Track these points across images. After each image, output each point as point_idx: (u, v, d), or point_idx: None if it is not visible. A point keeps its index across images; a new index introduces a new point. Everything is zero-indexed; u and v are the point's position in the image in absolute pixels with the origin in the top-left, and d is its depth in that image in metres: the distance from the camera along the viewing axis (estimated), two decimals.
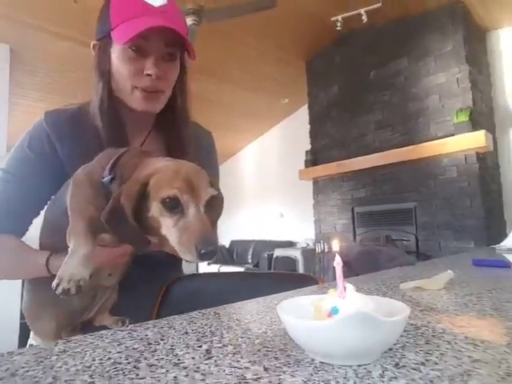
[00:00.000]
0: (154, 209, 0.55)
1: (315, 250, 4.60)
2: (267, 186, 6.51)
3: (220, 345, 0.38)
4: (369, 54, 4.25)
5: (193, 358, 0.34)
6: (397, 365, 0.31)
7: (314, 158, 4.80)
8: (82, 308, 0.74)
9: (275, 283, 0.85)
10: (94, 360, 0.34)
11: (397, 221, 3.85)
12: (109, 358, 0.35)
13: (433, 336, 0.38)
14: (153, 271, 0.82)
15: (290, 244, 5.43)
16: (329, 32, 4.31)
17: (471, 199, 3.28)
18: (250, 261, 5.83)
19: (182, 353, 0.36)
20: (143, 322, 0.48)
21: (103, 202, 0.58)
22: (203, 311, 0.54)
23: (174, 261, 0.93)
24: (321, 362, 0.32)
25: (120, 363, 0.33)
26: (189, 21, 2.77)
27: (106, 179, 0.61)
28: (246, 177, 7.15)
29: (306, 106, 5.10)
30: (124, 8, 0.73)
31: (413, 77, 3.82)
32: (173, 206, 0.53)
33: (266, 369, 0.31)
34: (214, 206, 0.61)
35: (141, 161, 0.61)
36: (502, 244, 1.43)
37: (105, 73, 0.76)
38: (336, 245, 0.36)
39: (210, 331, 0.43)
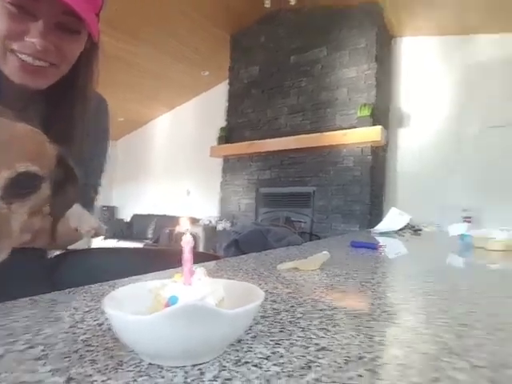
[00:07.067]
0: None
1: (216, 227, 4.63)
2: (177, 160, 6.24)
3: (25, 346, 0.29)
4: (292, 37, 4.30)
5: None
6: (238, 362, 0.27)
7: (228, 136, 4.75)
8: None
9: (173, 260, 0.77)
10: None
11: (297, 203, 4.10)
12: None
13: (289, 322, 0.36)
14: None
15: (193, 221, 5.35)
16: (257, 8, 4.20)
17: (361, 187, 3.66)
18: (149, 236, 5.58)
19: None
20: None
21: None
22: (38, 297, 0.43)
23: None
24: (149, 364, 0.26)
25: None
26: None
27: None
28: (157, 149, 6.73)
29: (227, 82, 4.97)
30: None
31: (329, 67, 4.01)
32: None
33: (69, 380, 0.23)
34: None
35: None
36: (376, 228, 1.61)
37: None
38: (185, 223, 0.30)
39: (26, 326, 0.34)
